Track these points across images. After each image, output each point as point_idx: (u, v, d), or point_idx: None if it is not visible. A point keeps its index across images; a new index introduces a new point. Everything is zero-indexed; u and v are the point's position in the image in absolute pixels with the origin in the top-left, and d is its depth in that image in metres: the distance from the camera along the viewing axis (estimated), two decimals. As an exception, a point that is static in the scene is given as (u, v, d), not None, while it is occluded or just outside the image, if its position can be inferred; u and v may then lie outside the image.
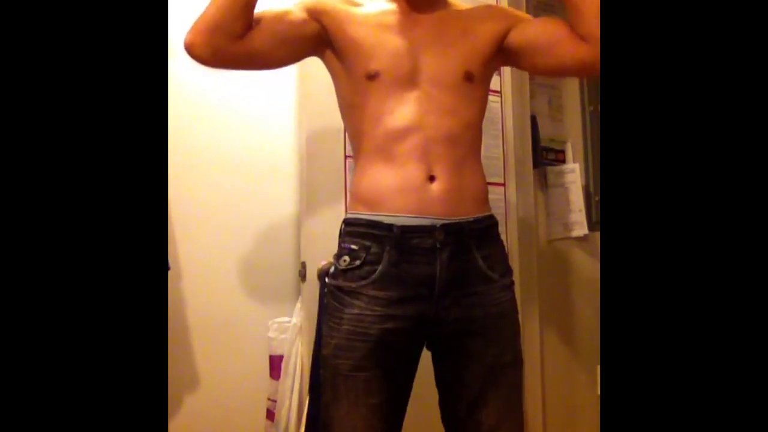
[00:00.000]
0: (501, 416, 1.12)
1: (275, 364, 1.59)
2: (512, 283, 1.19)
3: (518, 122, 2.02)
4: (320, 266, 1.40)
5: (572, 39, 1.14)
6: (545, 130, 2.17)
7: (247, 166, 1.70)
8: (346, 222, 1.16)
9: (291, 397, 1.55)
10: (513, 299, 1.18)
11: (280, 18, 1.17)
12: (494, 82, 1.97)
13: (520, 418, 1.15)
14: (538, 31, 1.21)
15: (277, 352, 1.60)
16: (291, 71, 1.72)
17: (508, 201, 1.96)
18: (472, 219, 1.13)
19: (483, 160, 1.22)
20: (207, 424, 1.59)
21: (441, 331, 1.12)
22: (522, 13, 1.29)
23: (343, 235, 1.15)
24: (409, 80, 1.14)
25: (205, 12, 1.12)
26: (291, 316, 1.61)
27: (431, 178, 1.11)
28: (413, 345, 1.14)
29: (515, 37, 1.20)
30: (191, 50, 1.12)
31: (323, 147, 1.57)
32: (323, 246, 1.24)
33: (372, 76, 1.13)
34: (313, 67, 1.32)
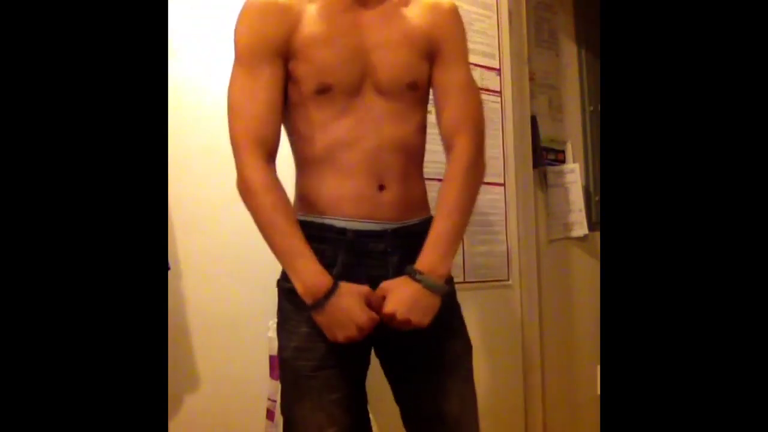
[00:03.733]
0: (462, 405, 1.17)
1: (275, 364, 1.59)
2: (451, 278, 1.19)
3: (518, 122, 2.02)
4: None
5: (445, 137, 1.18)
6: (545, 130, 2.18)
7: (247, 166, 1.70)
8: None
9: (291, 397, 1.55)
10: (453, 292, 1.21)
11: (274, 97, 1.12)
12: (494, 82, 1.98)
13: (475, 405, 1.20)
14: (438, 96, 1.19)
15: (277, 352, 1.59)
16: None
17: (508, 201, 1.96)
18: (416, 222, 1.16)
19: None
20: (207, 424, 1.59)
21: (392, 330, 1.11)
22: (456, 45, 1.20)
23: None
24: (357, 89, 1.12)
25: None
26: (291, 316, 1.60)
27: (381, 188, 1.12)
28: (366, 343, 1.15)
29: (433, 70, 1.19)
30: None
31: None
32: (323, 246, 1.24)
33: (323, 91, 1.11)
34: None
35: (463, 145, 1.15)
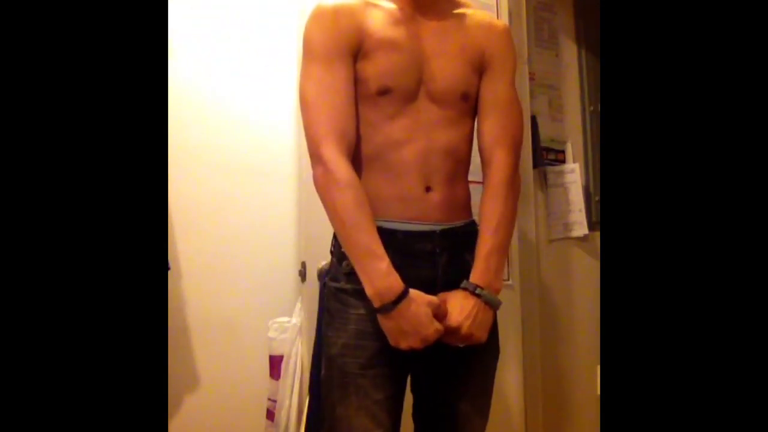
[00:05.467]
0: (476, 407, 1.19)
1: (275, 364, 1.59)
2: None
3: (518, 122, 2.01)
4: (320, 266, 1.40)
5: (485, 149, 1.21)
6: (545, 130, 2.17)
7: (247, 166, 1.70)
8: None
9: (291, 397, 1.55)
10: None
11: (352, 92, 1.14)
12: (494, 82, 1.97)
13: (488, 409, 1.21)
14: (482, 109, 1.22)
15: (277, 352, 1.60)
16: (291, 72, 1.72)
17: (508, 201, 1.95)
18: (462, 224, 1.19)
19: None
20: (207, 424, 1.59)
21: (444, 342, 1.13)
22: (506, 63, 1.26)
23: None
24: (413, 95, 1.17)
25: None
26: (291, 316, 1.60)
27: (428, 189, 1.15)
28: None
29: (481, 84, 1.23)
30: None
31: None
32: (323, 246, 1.24)
33: (383, 93, 1.15)
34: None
35: (502, 161, 1.19)
